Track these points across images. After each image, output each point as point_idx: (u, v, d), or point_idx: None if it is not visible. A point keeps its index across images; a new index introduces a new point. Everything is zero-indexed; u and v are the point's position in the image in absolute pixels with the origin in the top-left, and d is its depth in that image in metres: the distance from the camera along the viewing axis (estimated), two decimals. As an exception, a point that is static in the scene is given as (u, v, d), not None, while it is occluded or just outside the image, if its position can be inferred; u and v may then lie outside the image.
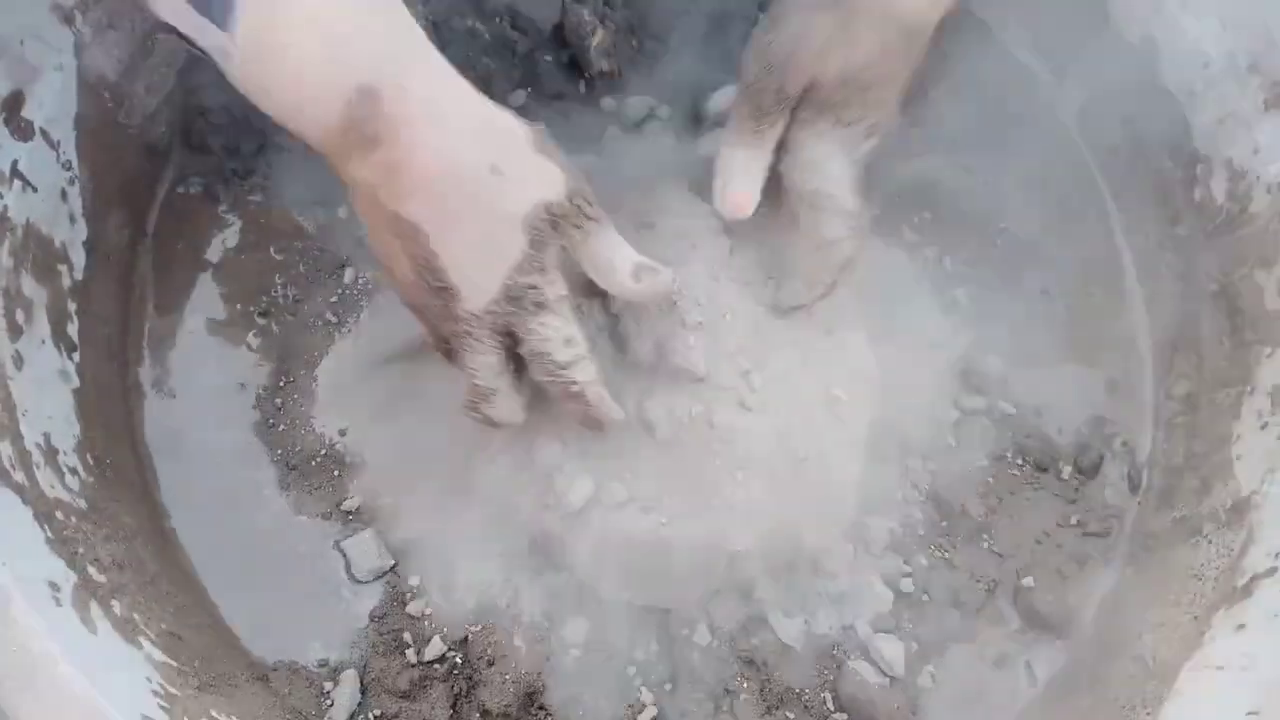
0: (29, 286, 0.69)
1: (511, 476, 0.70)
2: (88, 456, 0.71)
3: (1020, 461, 0.81)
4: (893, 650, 0.73)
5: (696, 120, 0.88)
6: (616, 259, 0.61)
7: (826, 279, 0.66)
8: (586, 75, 0.89)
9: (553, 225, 0.58)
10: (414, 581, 0.75)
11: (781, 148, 0.66)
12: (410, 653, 0.72)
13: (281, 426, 0.79)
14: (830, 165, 0.64)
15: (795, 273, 0.69)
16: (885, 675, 0.73)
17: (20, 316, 0.68)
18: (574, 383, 0.62)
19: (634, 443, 0.69)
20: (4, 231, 0.67)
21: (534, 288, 0.59)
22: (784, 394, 0.71)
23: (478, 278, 0.58)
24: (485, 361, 0.61)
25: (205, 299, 0.82)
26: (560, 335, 0.61)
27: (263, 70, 0.53)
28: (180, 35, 0.54)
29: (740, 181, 0.64)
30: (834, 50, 0.61)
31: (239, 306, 0.82)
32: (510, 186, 0.56)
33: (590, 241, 0.61)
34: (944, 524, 0.78)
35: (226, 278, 0.83)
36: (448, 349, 0.64)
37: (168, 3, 0.52)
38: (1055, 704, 0.74)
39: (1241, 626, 0.66)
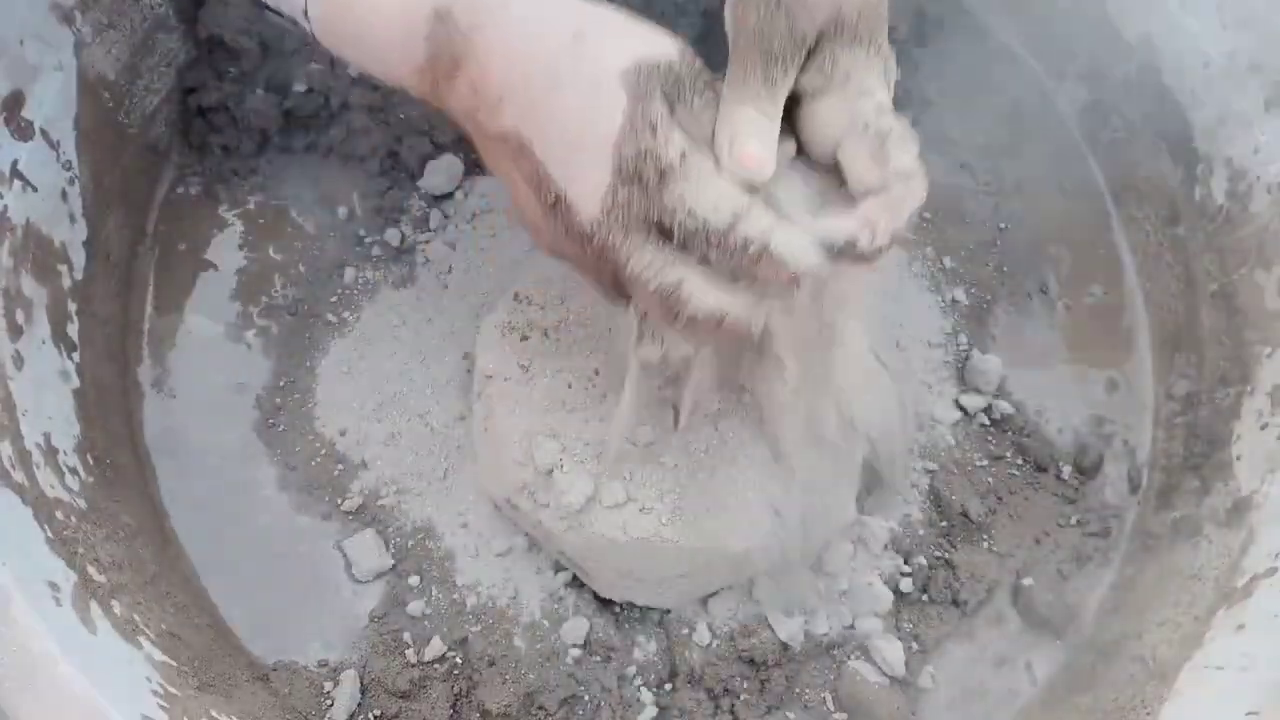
0: (29, 286, 0.69)
1: (512, 476, 0.70)
2: (88, 456, 0.71)
3: (1020, 461, 0.81)
4: (893, 650, 0.73)
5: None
6: (736, 146, 0.51)
7: (904, 217, 0.54)
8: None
9: (661, 86, 0.49)
10: (414, 581, 0.75)
11: (806, 97, 0.55)
12: (410, 653, 0.72)
13: (281, 426, 0.79)
14: (883, 95, 0.55)
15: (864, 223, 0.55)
16: (885, 675, 0.74)
17: (20, 316, 0.68)
18: (749, 241, 0.49)
19: (636, 445, 0.69)
20: (4, 231, 0.67)
21: (648, 153, 0.48)
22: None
23: (584, 168, 0.50)
24: (643, 257, 0.50)
25: (205, 299, 0.82)
26: (704, 198, 0.49)
27: (343, 27, 0.53)
28: (269, 8, 0.54)
29: (752, 138, 0.52)
30: None
31: (239, 306, 0.82)
32: (599, 44, 0.49)
33: (709, 112, 0.51)
34: (944, 524, 0.78)
35: (226, 278, 0.83)
36: (617, 285, 0.55)
37: None
38: (1055, 704, 0.74)
39: (1241, 627, 0.66)
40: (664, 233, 0.51)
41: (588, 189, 0.50)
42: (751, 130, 0.52)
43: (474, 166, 0.86)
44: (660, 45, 0.50)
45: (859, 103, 0.54)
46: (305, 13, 0.54)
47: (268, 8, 0.55)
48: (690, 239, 0.50)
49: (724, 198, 0.49)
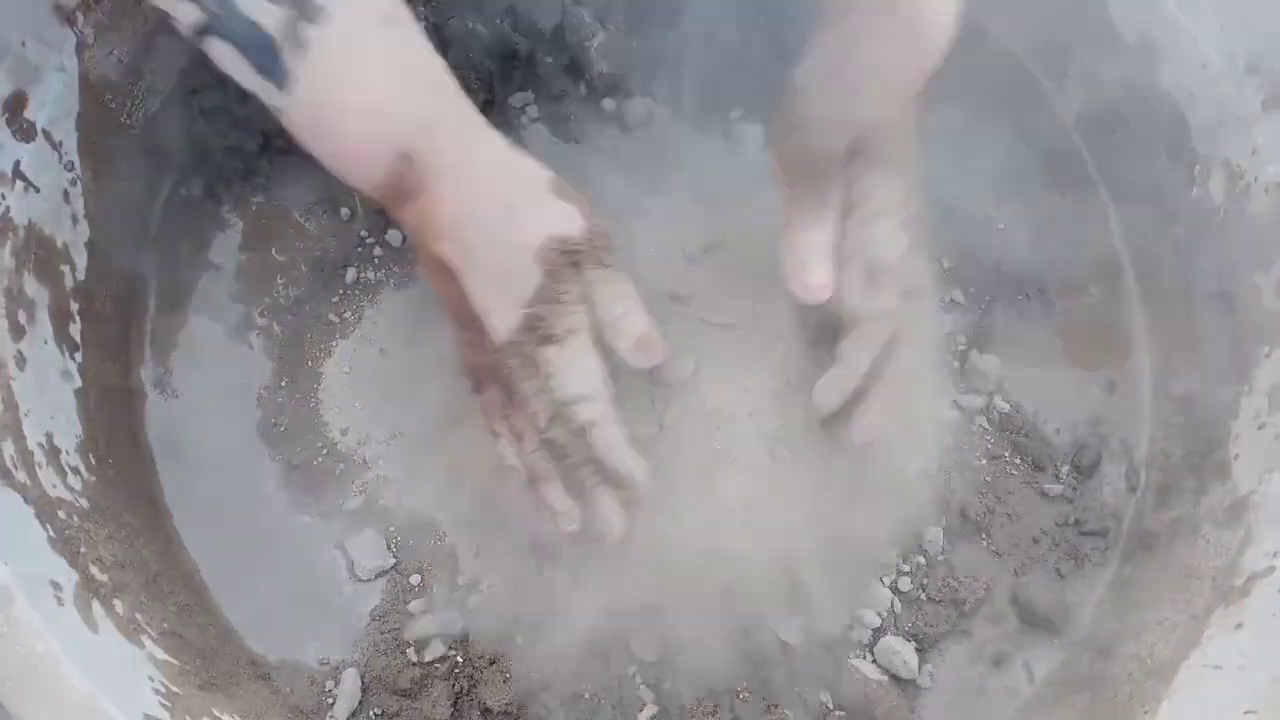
0: (31, 287, 0.70)
1: (513, 476, 0.70)
2: (90, 456, 0.71)
3: (1018, 461, 0.81)
4: (891, 649, 0.74)
5: (696, 121, 0.88)
6: (626, 319, 0.62)
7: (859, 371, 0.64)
8: (587, 76, 0.89)
9: (569, 261, 0.60)
10: (415, 580, 0.75)
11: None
12: (411, 651, 0.72)
13: (283, 426, 0.79)
14: (900, 217, 0.64)
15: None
16: (884, 674, 0.74)
17: (23, 317, 0.68)
18: (580, 423, 0.61)
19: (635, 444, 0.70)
20: (6, 232, 0.68)
21: (542, 319, 0.60)
22: (785, 396, 0.71)
23: (501, 310, 0.60)
24: (533, 384, 0.61)
25: (207, 299, 0.83)
26: (568, 367, 0.60)
27: (316, 134, 0.58)
28: (239, 84, 0.58)
29: (816, 264, 0.63)
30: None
31: (241, 307, 0.82)
32: (525, 221, 0.59)
33: (607, 288, 0.61)
34: (943, 523, 0.78)
35: (228, 278, 0.83)
36: (479, 380, 0.67)
37: (230, 61, 0.56)
38: (1053, 703, 0.75)
39: (1240, 626, 0.66)
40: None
41: (503, 326, 0.60)
42: (814, 256, 0.63)
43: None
44: (570, 223, 0.60)
45: (871, 226, 0.63)
46: (280, 85, 0.56)
47: (241, 85, 0.58)
48: (542, 397, 0.61)
49: (587, 374, 0.61)
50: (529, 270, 0.59)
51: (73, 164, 0.74)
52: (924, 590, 0.77)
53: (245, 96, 0.84)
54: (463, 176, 0.59)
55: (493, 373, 0.64)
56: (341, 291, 0.83)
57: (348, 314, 0.82)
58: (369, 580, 0.75)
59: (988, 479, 0.80)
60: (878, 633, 0.75)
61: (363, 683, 0.72)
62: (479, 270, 0.60)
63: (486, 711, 0.71)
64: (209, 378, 0.80)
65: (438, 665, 0.72)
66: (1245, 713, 0.60)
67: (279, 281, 0.83)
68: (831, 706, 0.73)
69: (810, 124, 0.60)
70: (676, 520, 0.68)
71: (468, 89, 0.60)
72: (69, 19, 0.72)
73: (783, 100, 0.62)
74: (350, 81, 0.56)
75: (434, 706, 0.71)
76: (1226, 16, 0.78)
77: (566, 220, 0.60)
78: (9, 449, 0.63)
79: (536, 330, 0.60)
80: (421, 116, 0.58)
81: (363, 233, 0.85)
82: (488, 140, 0.60)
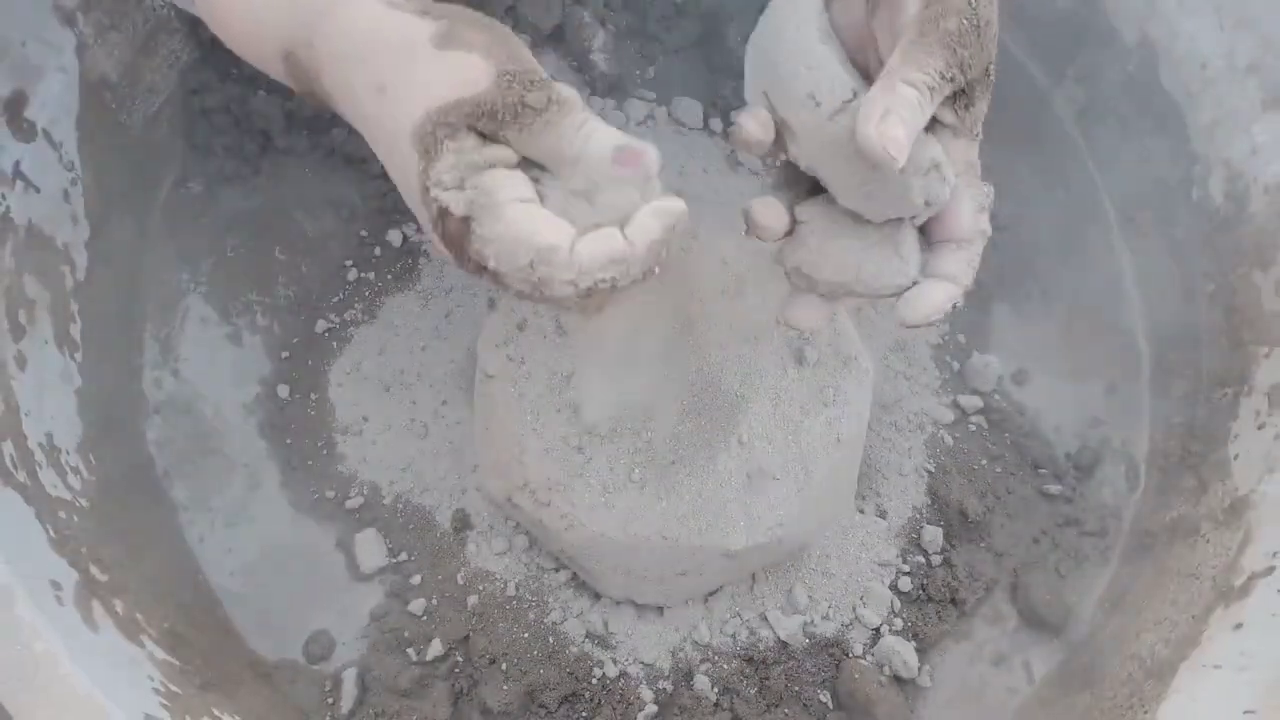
0: (31, 287, 0.70)
1: (512, 476, 0.70)
2: (90, 456, 0.71)
3: (1018, 460, 0.81)
4: (891, 649, 0.74)
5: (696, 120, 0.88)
6: (589, 147, 0.48)
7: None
8: (587, 77, 0.89)
9: (456, 130, 0.48)
10: (415, 580, 0.75)
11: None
12: (411, 651, 0.72)
13: (284, 426, 0.79)
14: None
15: None
16: (884, 674, 0.74)
17: (23, 317, 0.68)
18: (544, 282, 0.48)
19: (636, 443, 0.70)
20: (6, 232, 0.68)
21: (443, 211, 0.48)
22: (785, 395, 0.72)
23: (417, 212, 0.51)
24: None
25: (208, 300, 0.82)
26: (501, 248, 0.47)
27: (219, 31, 0.55)
28: None
29: (901, 126, 0.50)
30: None
31: (241, 307, 0.82)
32: (397, 98, 0.48)
33: (547, 135, 0.48)
34: (943, 523, 0.79)
35: (229, 278, 0.83)
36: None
37: None
38: (1053, 702, 0.75)
39: (1239, 626, 0.66)
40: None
41: (426, 228, 0.50)
42: (907, 116, 0.49)
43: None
44: (467, 79, 0.48)
45: (974, 149, 0.58)
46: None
47: None
48: (500, 279, 0.49)
49: (519, 243, 0.47)
50: (409, 159, 0.48)
51: (73, 164, 0.74)
52: (924, 590, 0.77)
53: (245, 96, 0.85)
54: (339, 69, 0.50)
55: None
56: (342, 292, 0.83)
57: (348, 314, 0.82)
58: (369, 580, 0.75)
59: (988, 479, 0.80)
60: (878, 633, 0.75)
61: (363, 682, 0.72)
62: (390, 165, 0.50)
63: (487, 711, 0.71)
64: (209, 378, 0.80)
65: (438, 665, 0.72)
66: (1245, 712, 0.60)
67: (279, 281, 0.83)
68: (831, 706, 0.73)
69: None
70: (675, 518, 0.68)
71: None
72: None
73: None
74: None
75: (434, 706, 0.71)
76: (1226, 17, 0.78)
77: (452, 81, 0.48)
78: (9, 449, 0.63)
79: (447, 227, 0.48)
80: (294, 10, 0.51)
81: (363, 233, 0.85)
82: (358, 9, 0.50)
